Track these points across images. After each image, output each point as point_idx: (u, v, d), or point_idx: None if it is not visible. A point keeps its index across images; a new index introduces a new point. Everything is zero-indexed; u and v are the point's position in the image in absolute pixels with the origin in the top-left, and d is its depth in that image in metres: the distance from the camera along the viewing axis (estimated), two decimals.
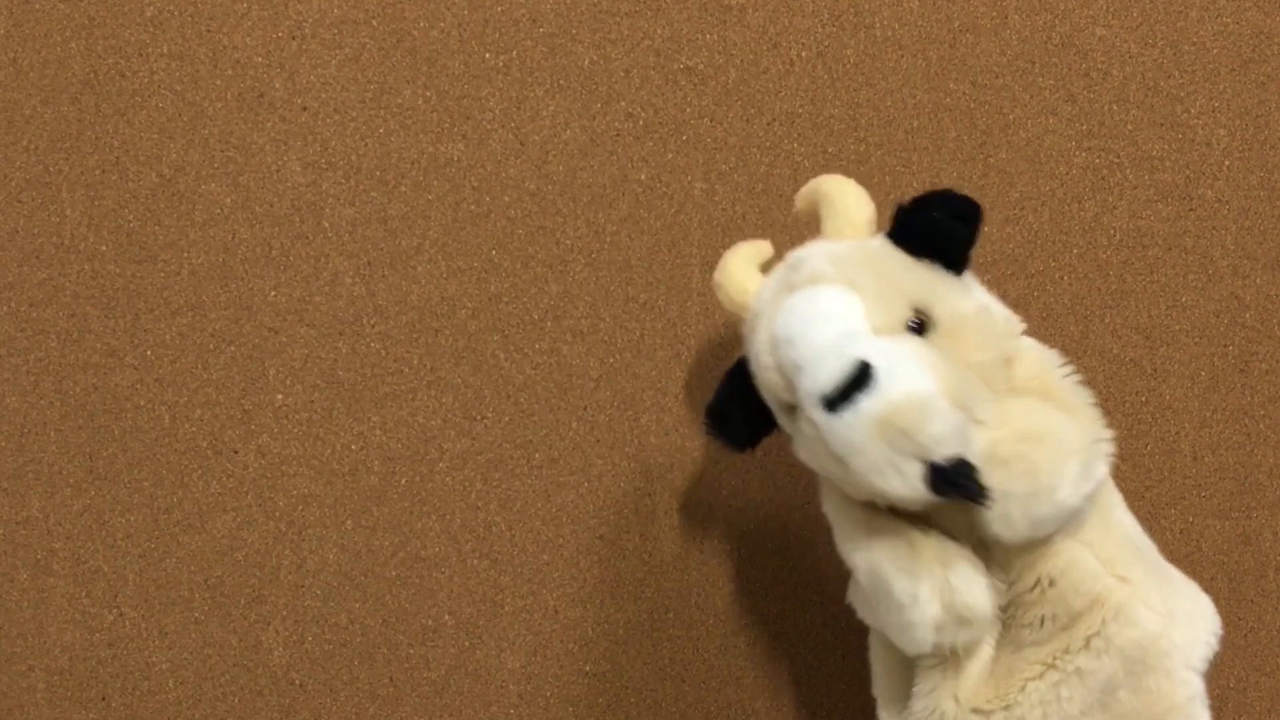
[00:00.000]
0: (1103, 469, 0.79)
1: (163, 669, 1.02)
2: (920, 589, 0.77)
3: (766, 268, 0.84)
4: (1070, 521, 0.78)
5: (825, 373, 0.74)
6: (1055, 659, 0.79)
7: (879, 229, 0.82)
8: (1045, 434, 0.76)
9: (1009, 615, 0.80)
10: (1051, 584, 0.79)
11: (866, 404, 0.73)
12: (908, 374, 0.73)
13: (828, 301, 0.76)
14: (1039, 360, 0.81)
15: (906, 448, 0.73)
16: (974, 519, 0.77)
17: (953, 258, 0.80)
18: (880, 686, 0.88)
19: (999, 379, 0.78)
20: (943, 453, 0.73)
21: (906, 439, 0.72)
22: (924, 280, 0.78)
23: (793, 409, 0.78)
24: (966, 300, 0.79)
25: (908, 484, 0.73)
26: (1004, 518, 0.76)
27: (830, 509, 0.83)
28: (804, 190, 0.85)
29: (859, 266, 0.78)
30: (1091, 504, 0.79)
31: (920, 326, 0.77)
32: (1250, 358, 1.02)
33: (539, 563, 1.02)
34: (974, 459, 0.74)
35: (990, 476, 0.75)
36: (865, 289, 0.77)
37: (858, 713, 1.03)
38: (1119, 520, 0.82)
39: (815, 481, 0.98)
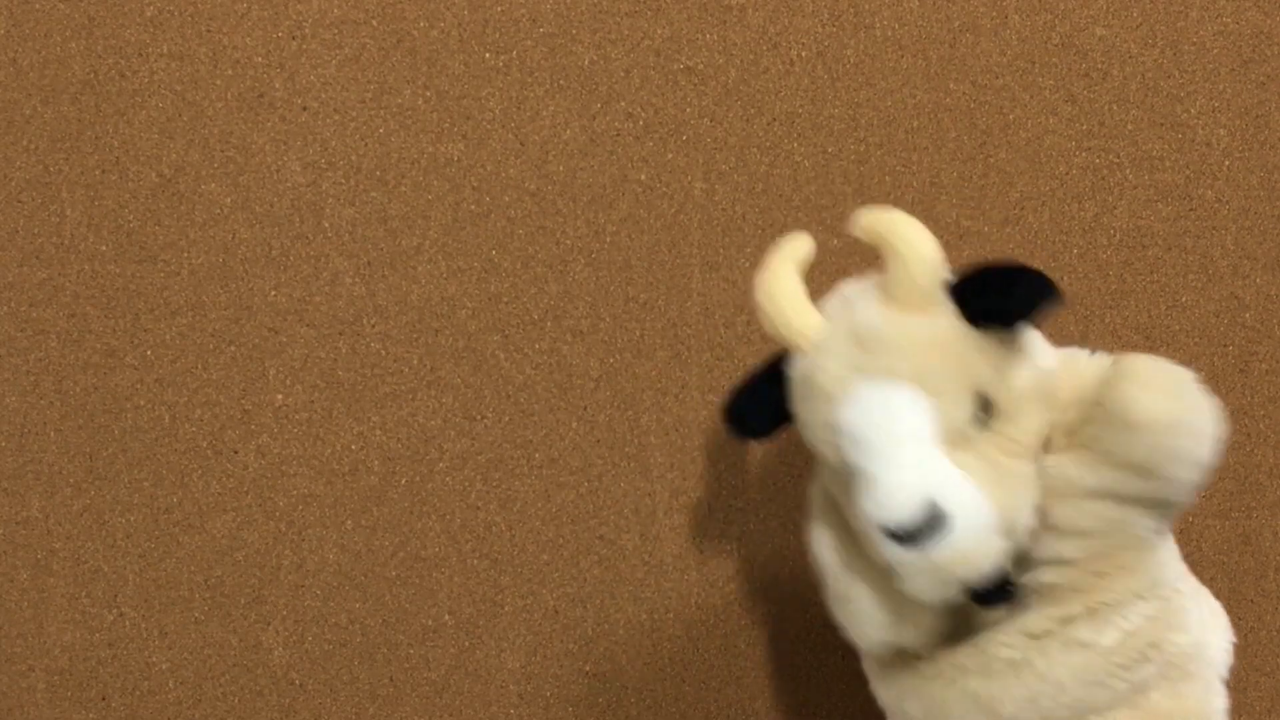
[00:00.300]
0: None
1: (163, 669, 1.02)
2: (856, 589, 0.80)
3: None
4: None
5: (898, 510, 0.72)
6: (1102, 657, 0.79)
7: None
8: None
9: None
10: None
11: (936, 553, 0.73)
12: (979, 527, 0.73)
13: (901, 408, 0.74)
14: (1073, 375, 0.80)
15: (954, 582, 0.74)
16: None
17: (1010, 322, 0.77)
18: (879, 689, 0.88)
19: (1045, 437, 0.78)
20: (993, 573, 0.74)
21: (956, 582, 0.74)
22: (988, 359, 0.75)
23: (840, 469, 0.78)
24: (1022, 367, 0.76)
25: (945, 594, 0.75)
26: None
27: (814, 493, 0.85)
28: (870, 221, 0.77)
29: (932, 357, 0.74)
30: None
31: (983, 417, 0.75)
32: (1250, 358, 1.02)
33: (539, 563, 1.02)
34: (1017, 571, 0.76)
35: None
36: (938, 388, 0.74)
37: (858, 713, 1.03)
38: None
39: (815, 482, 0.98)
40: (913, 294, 0.75)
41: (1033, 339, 0.78)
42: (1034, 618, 0.78)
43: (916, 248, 0.75)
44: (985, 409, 0.75)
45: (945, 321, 0.75)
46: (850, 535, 0.80)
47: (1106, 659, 0.77)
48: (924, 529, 0.72)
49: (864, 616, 0.80)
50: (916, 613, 0.78)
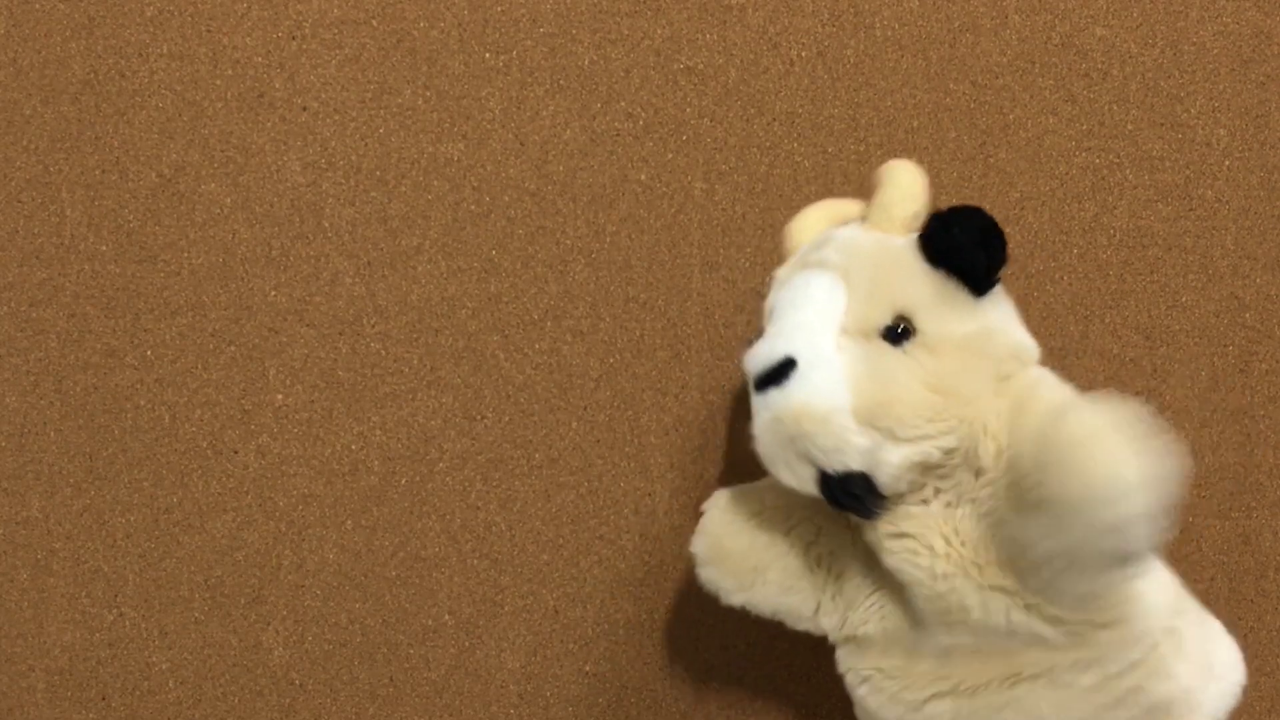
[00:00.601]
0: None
1: (163, 669, 1.02)
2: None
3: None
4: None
5: (761, 355, 0.77)
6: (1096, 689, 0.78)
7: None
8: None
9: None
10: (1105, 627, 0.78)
11: (772, 398, 0.75)
12: (819, 384, 0.75)
13: (816, 288, 0.78)
14: (1035, 386, 0.78)
15: (799, 451, 0.75)
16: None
17: (969, 279, 0.79)
18: None
19: (975, 397, 0.77)
20: (834, 465, 0.74)
21: (794, 444, 0.75)
22: (923, 292, 0.78)
23: None
24: (965, 321, 0.78)
25: (800, 483, 0.76)
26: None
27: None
28: (879, 170, 0.84)
29: (864, 262, 0.78)
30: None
31: (900, 333, 0.77)
32: (1250, 358, 1.02)
33: (539, 563, 1.02)
34: (886, 478, 0.75)
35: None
36: (857, 285, 0.77)
37: None
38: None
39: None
40: (882, 218, 0.80)
41: (1000, 308, 0.80)
42: (1024, 662, 0.78)
43: (898, 177, 0.80)
44: (904, 330, 0.77)
45: (898, 244, 0.79)
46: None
47: (1086, 698, 0.77)
48: (772, 375, 0.75)
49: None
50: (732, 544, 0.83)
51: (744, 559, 0.85)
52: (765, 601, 0.86)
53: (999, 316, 0.80)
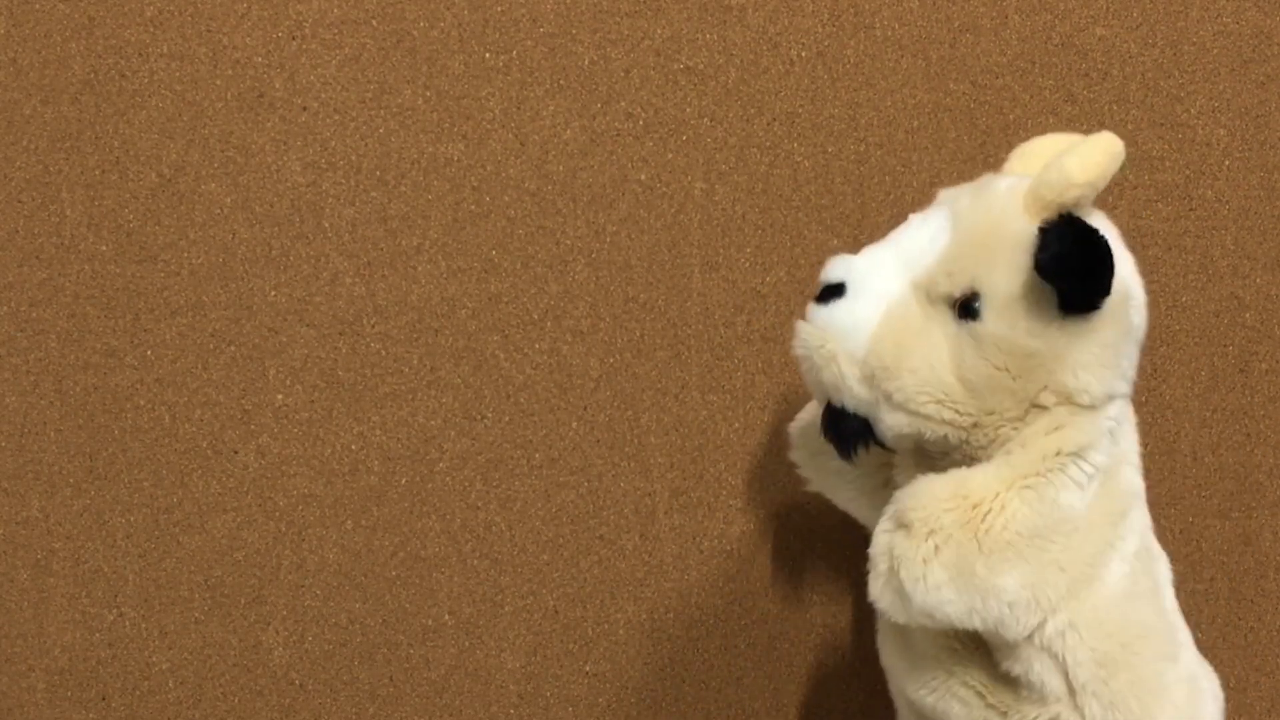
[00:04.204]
0: (1009, 563, 0.74)
1: (163, 669, 1.02)
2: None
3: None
4: (1016, 620, 0.75)
5: (835, 267, 0.77)
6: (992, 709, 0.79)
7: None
8: (914, 522, 0.75)
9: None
10: (1008, 674, 0.78)
11: (812, 312, 0.77)
12: (845, 324, 0.76)
13: (925, 230, 0.77)
14: (1059, 430, 0.76)
15: (808, 369, 0.77)
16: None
17: (1061, 299, 0.75)
18: (885, 651, 0.88)
19: (1005, 404, 0.76)
20: (834, 400, 0.77)
21: (807, 363, 0.77)
22: (1009, 286, 0.75)
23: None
24: (1034, 336, 0.75)
25: (816, 395, 0.79)
26: (892, 609, 0.76)
27: None
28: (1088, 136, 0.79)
29: (980, 228, 0.76)
30: (1076, 607, 0.76)
31: (965, 310, 0.76)
32: (1250, 358, 1.02)
33: (539, 563, 1.02)
34: (883, 431, 0.77)
35: (870, 574, 0.77)
36: (959, 244, 0.76)
37: (858, 712, 1.03)
38: (1117, 625, 0.77)
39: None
40: (1029, 198, 0.76)
41: (1087, 341, 0.76)
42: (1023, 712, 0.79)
43: (1066, 164, 0.75)
44: (970, 310, 0.75)
45: (1022, 226, 0.75)
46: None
47: None
48: (827, 291, 0.77)
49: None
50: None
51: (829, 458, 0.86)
52: (838, 500, 0.90)
53: (1075, 348, 0.76)
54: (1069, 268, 0.73)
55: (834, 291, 0.76)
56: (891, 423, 0.76)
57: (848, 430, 0.77)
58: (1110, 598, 0.77)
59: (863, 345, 0.75)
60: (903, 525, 0.76)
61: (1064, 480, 0.76)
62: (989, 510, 0.74)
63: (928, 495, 0.75)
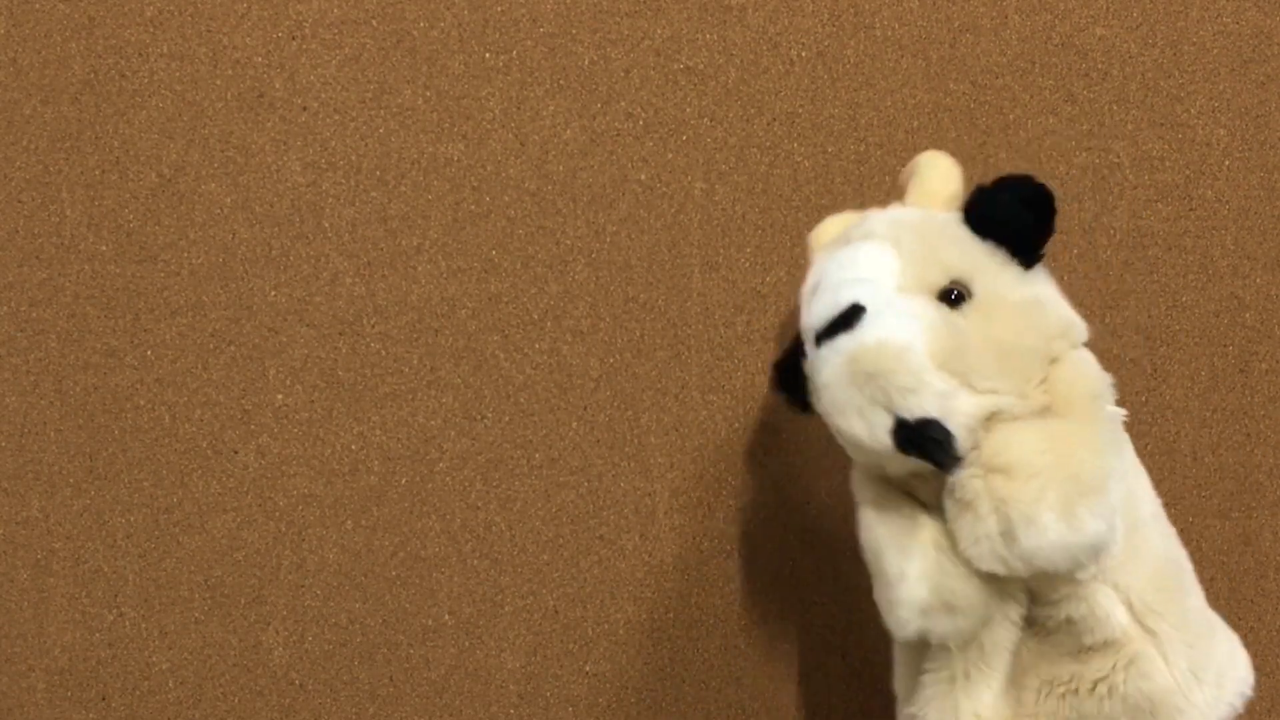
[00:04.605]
0: (1104, 503, 0.74)
1: (163, 669, 1.02)
2: (910, 567, 0.76)
3: None
4: (1096, 559, 0.75)
5: (820, 308, 0.76)
6: (1064, 693, 0.78)
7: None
8: (1013, 465, 0.73)
9: (1026, 630, 0.79)
10: (1069, 621, 0.77)
11: (844, 341, 0.73)
12: (893, 323, 0.73)
13: (864, 255, 0.77)
14: (1081, 376, 0.78)
15: (874, 395, 0.73)
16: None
17: (1015, 244, 0.78)
18: (901, 685, 0.87)
19: (1029, 371, 0.76)
20: (911, 409, 0.72)
21: (873, 384, 0.72)
22: (974, 258, 0.77)
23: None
24: (1018, 288, 0.77)
25: (872, 433, 0.73)
26: (990, 557, 0.74)
27: (854, 484, 0.83)
28: (907, 166, 0.85)
29: (911, 231, 0.78)
30: (1126, 541, 0.77)
31: (955, 298, 0.76)
32: (1250, 358, 1.02)
33: (539, 563, 1.02)
34: (957, 428, 0.73)
35: (959, 522, 0.74)
36: (907, 252, 0.76)
37: (857, 712, 1.03)
38: (1161, 556, 0.79)
39: (815, 482, 0.98)
40: (922, 198, 0.80)
41: (1048, 284, 0.79)
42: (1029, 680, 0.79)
43: (936, 160, 0.81)
44: (959, 295, 0.76)
45: (943, 217, 0.79)
46: (898, 511, 0.79)
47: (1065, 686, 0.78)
48: (840, 321, 0.74)
49: (908, 595, 0.76)
50: (963, 589, 0.76)
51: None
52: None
53: (1047, 287, 0.79)
54: (1012, 212, 0.77)
55: (853, 315, 0.74)
56: (969, 409, 0.73)
57: (938, 433, 0.73)
58: (1143, 525, 0.79)
59: (922, 337, 0.73)
60: (998, 470, 0.74)
61: (1111, 420, 0.78)
62: (1077, 455, 0.74)
63: (1019, 442, 0.74)
